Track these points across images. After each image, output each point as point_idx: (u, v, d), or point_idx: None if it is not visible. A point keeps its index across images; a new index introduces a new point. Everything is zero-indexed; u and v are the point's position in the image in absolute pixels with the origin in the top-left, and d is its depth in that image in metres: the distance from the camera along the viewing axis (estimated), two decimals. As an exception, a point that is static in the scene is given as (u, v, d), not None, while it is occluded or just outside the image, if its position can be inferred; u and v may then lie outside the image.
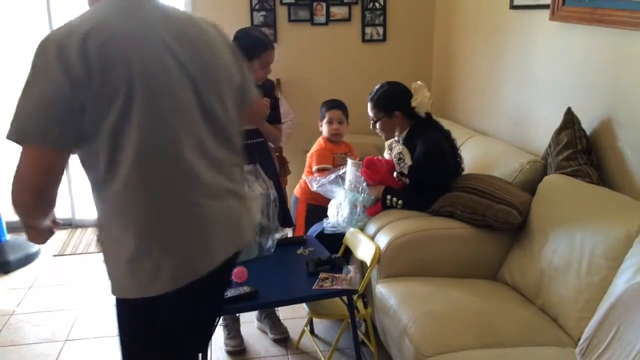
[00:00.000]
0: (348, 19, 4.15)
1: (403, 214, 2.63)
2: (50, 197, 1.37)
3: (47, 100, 1.29)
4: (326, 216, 2.83)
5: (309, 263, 2.32)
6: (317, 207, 3.13)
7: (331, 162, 3.16)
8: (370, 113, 2.79)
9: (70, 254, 3.86)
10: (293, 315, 2.97)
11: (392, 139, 2.85)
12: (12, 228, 3.75)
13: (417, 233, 2.47)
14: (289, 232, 3.21)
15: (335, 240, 2.70)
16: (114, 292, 1.46)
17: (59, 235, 4.16)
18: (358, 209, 2.68)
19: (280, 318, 2.91)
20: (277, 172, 2.94)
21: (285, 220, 2.80)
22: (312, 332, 2.84)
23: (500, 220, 2.41)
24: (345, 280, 2.21)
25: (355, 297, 2.34)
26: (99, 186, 1.41)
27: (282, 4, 4.04)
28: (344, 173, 2.78)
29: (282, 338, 2.81)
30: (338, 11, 4.12)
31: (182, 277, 1.43)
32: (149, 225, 1.40)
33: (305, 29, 4.11)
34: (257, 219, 2.37)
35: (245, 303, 2.10)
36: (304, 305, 2.51)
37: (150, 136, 1.36)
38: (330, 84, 4.08)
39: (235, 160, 1.57)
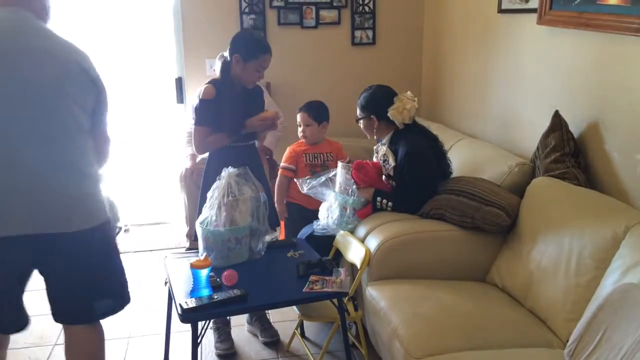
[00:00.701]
0: (337, 23, 4.16)
1: (393, 216, 2.64)
2: None
3: None
4: (305, 215, 2.89)
5: (299, 266, 2.32)
6: (293, 205, 3.19)
7: (296, 162, 3.20)
8: (357, 112, 2.89)
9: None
10: (284, 318, 2.97)
11: (379, 143, 2.88)
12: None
13: (407, 235, 2.49)
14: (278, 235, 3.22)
15: (325, 243, 2.71)
16: None
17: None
18: (348, 211, 2.69)
19: (271, 321, 2.91)
20: (266, 174, 2.95)
21: (274, 221, 2.81)
22: (302, 334, 2.84)
23: (489, 222, 2.43)
24: (336, 283, 2.21)
25: (345, 299, 2.34)
26: None
27: (271, 7, 4.04)
28: (334, 175, 2.79)
29: (273, 341, 2.80)
30: (328, 14, 4.14)
31: None
32: None
33: (295, 32, 4.12)
34: (248, 221, 2.39)
35: (236, 306, 2.09)
36: (294, 308, 2.51)
37: None
38: (319, 87, 4.09)
39: None
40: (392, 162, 2.73)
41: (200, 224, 2.41)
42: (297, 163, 3.22)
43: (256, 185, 2.50)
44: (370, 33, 4.22)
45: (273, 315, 3.01)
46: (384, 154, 2.77)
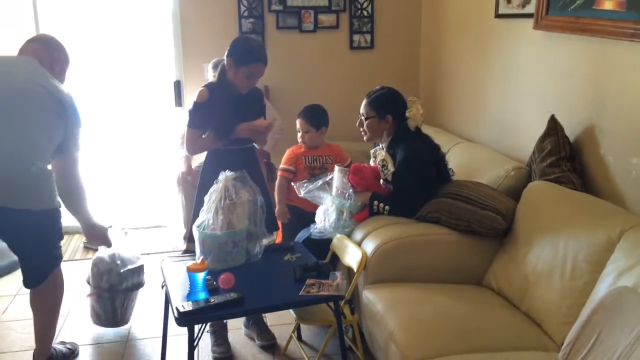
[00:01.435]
0: (336, 27, 4.18)
1: (389, 220, 2.65)
2: None
3: None
4: (302, 218, 2.90)
5: (296, 269, 2.33)
6: (291, 208, 3.20)
7: (296, 164, 3.22)
8: (363, 110, 2.82)
9: (56, 261, 3.84)
10: (280, 322, 2.97)
11: (377, 147, 2.88)
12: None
13: (404, 239, 2.49)
14: (275, 238, 3.24)
15: (322, 246, 2.71)
16: None
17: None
18: (345, 215, 2.70)
19: (268, 324, 2.91)
20: (264, 178, 2.96)
21: (271, 225, 2.82)
22: (299, 338, 2.84)
23: (485, 225, 2.44)
24: (332, 287, 2.22)
25: (342, 303, 2.34)
26: None
27: (270, 11, 4.06)
28: (332, 179, 2.80)
29: (270, 344, 2.80)
30: (326, 19, 4.15)
31: None
32: None
33: (294, 36, 4.14)
34: (245, 224, 2.40)
35: (232, 309, 2.10)
36: (291, 311, 2.51)
37: None
38: (318, 91, 4.10)
39: None
40: (391, 168, 2.72)
41: (198, 227, 2.41)
42: (297, 165, 3.23)
43: (253, 189, 2.50)
44: (368, 37, 4.24)
45: (270, 318, 3.01)
46: (383, 159, 2.76)
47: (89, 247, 4.00)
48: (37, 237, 2.44)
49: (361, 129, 2.86)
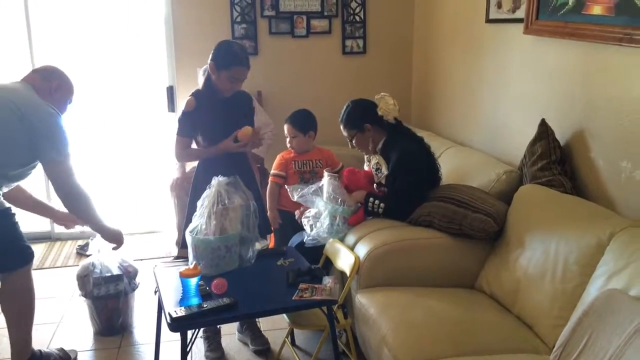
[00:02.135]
0: (328, 32, 4.19)
1: (382, 224, 2.66)
2: None
3: None
4: (295, 222, 2.95)
5: (288, 274, 2.33)
6: (283, 212, 3.21)
7: (286, 169, 3.23)
8: (344, 133, 2.91)
9: (48, 268, 3.83)
10: (274, 327, 2.97)
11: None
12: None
13: (396, 243, 2.50)
14: (268, 243, 3.24)
15: (315, 251, 2.72)
16: None
17: (38, 249, 4.12)
18: (337, 219, 2.71)
19: (261, 329, 2.91)
20: (257, 183, 2.96)
21: (264, 230, 2.83)
22: (293, 343, 2.84)
23: (476, 229, 2.45)
24: (325, 291, 2.22)
25: (335, 307, 2.35)
26: None
27: (262, 16, 4.07)
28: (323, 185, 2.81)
29: (263, 349, 2.80)
30: (318, 24, 4.17)
31: None
32: None
33: (286, 42, 4.15)
34: (238, 229, 2.40)
35: (225, 314, 2.09)
36: (284, 316, 2.52)
37: None
38: (310, 96, 4.11)
39: None
40: (384, 171, 2.76)
41: (190, 232, 2.41)
42: (287, 170, 3.23)
43: (246, 194, 2.51)
44: (360, 42, 4.25)
45: (263, 323, 3.01)
46: (377, 162, 2.81)
47: (82, 253, 3.99)
48: None
49: (358, 149, 2.93)
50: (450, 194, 2.61)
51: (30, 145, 2.46)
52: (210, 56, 2.60)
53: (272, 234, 3.18)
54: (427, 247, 2.53)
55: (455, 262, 2.54)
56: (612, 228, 2.00)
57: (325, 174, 2.82)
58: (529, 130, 2.72)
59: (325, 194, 2.76)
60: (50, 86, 2.59)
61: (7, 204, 2.54)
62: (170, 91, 4.17)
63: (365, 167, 2.94)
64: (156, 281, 2.39)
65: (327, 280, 2.27)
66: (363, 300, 2.38)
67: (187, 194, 3.54)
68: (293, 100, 3.98)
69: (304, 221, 2.79)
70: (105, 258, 2.94)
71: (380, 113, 2.78)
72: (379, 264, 2.46)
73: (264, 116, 3.84)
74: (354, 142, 2.88)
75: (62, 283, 3.59)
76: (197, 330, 2.28)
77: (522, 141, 2.77)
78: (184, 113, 2.65)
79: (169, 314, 2.03)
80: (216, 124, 2.65)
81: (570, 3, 2.49)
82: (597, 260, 1.97)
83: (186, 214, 2.70)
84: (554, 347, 1.88)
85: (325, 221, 2.72)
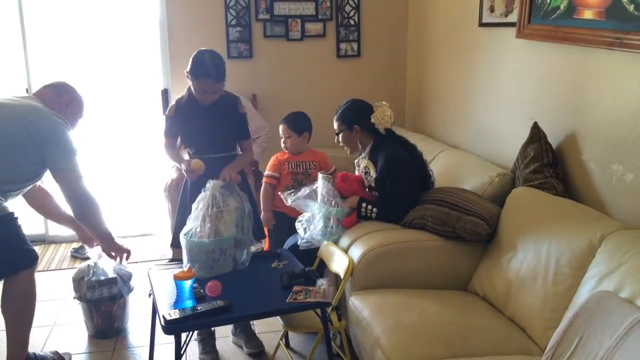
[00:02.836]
0: (323, 35, 4.21)
1: (376, 227, 2.67)
2: None
3: None
4: (289, 223, 2.96)
5: (283, 276, 2.34)
6: (277, 214, 3.22)
7: (279, 170, 3.26)
8: (335, 126, 2.95)
9: (43, 271, 3.82)
10: (268, 329, 2.98)
11: (360, 157, 2.94)
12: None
13: (390, 245, 2.51)
14: (263, 246, 3.25)
15: (309, 254, 2.73)
16: None
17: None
18: (332, 222, 2.72)
19: (256, 332, 2.92)
20: (250, 186, 2.97)
21: (259, 233, 2.84)
22: (287, 345, 2.85)
23: (469, 231, 2.47)
24: (319, 293, 2.23)
25: (329, 309, 2.36)
26: None
27: (257, 20, 4.09)
28: (317, 187, 2.82)
29: (258, 352, 2.81)
30: (313, 27, 4.18)
31: None
32: None
33: (281, 45, 4.16)
34: (232, 232, 2.41)
35: (219, 317, 2.10)
36: (278, 318, 2.52)
37: None
38: (305, 99, 4.13)
39: None
40: (373, 174, 2.78)
41: (185, 235, 2.42)
42: (280, 171, 3.26)
43: (241, 197, 2.52)
44: (355, 45, 4.27)
45: (258, 326, 3.02)
46: (365, 166, 2.84)
47: (76, 256, 3.99)
48: None
49: (341, 145, 2.97)
50: (444, 197, 2.62)
51: (39, 154, 2.53)
52: None
53: (267, 236, 3.19)
54: (420, 249, 2.55)
55: (449, 265, 2.55)
56: (603, 230, 2.02)
57: (320, 175, 2.83)
58: (522, 133, 2.74)
59: (319, 196, 2.77)
60: (62, 100, 2.70)
61: (10, 209, 2.54)
62: (165, 94, 4.17)
63: (357, 172, 2.97)
64: (150, 284, 2.39)
65: (321, 283, 2.28)
66: (357, 303, 2.39)
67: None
68: (288, 103, 4.00)
69: (297, 225, 2.80)
70: (101, 261, 2.94)
71: (373, 120, 2.81)
72: (372, 266, 2.47)
73: (259, 119, 3.85)
74: (340, 137, 2.93)
75: (57, 286, 3.59)
76: (191, 332, 2.29)
77: (515, 144, 2.79)
78: (166, 116, 2.79)
79: (163, 317, 2.03)
80: (194, 131, 2.71)
81: (561, 7, 2.51)
82: (588, 262, 1.99)
83: (177, 215, 2.72)
84: (546, 348, 1.90)
85: (319, 223, 2.73)
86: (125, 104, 4.47)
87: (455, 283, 2.55)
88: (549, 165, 2.56)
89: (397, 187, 2.71)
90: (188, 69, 2.62)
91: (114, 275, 2.93)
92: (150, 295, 2.37)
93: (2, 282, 2.57)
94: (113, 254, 2.82)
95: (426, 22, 4.01)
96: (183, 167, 2.69)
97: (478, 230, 2.46)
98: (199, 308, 2.08)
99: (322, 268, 2.72)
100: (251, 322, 2.95)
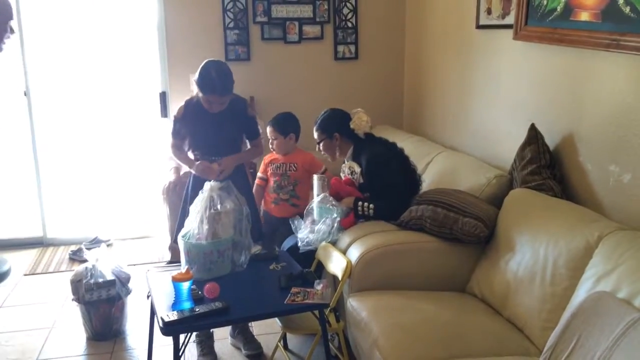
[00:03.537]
0: (320, 37, 4.22)
1: (374, 228, 2.68)
2: None
3: None
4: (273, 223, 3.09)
5: (281, 278, 2.34)
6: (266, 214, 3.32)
7: (267, 172, 3.35)
8: (315, 135, 3.05)
9: (41, 273, 3.82)
10: (267, 331, 2.98)
11: (343, 163, 3.02)
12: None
13: (388, 247, 2.52)
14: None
15: (307, 255, 2.73)
16: None
17: (30, 254, 4.11)
18: (329, 221, 2.73)
19: (254, 334, 2.91)
20: (250, 188, 2.98)
21: (258, 235, 2.85)
22: (285, 347, 2.85)
23: (467, 233, 2.48)
24: (317, 295, 2.23)
25: (327, 311, 2.36)
26: None
27: (255, 22, 4.09)
28: (312, 208, 2.86)
29: (256, 354, 2.81)
30: (311, 30, 4.19)
31: None
32: None
33: (279, 47, 4.17)
34: (230, 234, 2.41)
35: (217, 318, 2.10)
36: (277, 320, 2.52)
37: None
38: (303, 101, 4.13)
39: None
40: (357, 170, 2.87)
41: (183, 237, 2.42)
42: (267, 172, 3.35)
43: (239, 199, 2.52)
44: (352, 48, 4.28)
45: (256, 328, 3.02)
46: (350, 167, 2.93)
47: (75, 259, 3.98)
48: None
49: (322, 153, 3.06)
50: (441, 199, 2.63)
51: None
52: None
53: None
54: (418, 250, 2.55)
55: (447, 266, 2.56)
56: (600, 231, 2.02)
57: (315, 176, 2.93)
58: (519, 135, 2.74)
59: (316, 198, 2.80)
60: None
61: None
62: (163, 97, 4.18)
63: (343, 177, 3.00)
64: (148, 286, 2.39)
65: (319, 284, 2.28)
66: (355, 304, 2.40)
67: (180, 198, 3.56)
68: (285, 105, 3.98)
69: (301, 233, 2.79)
70: (99, 263, 2.94)
71: (352, 126, 2.91)
72: (370, 267, 2.48)
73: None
74: (321, 145, 3.03)
75: (55, 288, 3.58)
76: (189, 334, 2.29)
77: (512, 146, 2.80)
78: (174, 118, 2.80)
79: (162, 318, 2.03)
80: (201, 134, 2.75)
81: (558, 9, 2.52)
82: (585, 263, 1.99)
83: (179, 218, 2.72)
84: (544, 349, 1.90)
85: (321, 228, 2.74)
86: (123, 106, 4.46)
87: (453, 284, 2.55)
88: (546, 166, 2.57)
89: (387, 181, 2.78)
90: (195, 78, 2.63)
91: (112, 278, 2.93)
92: (148, 297, 2.37)
93: None
94: None
95: (424, 25, 4.02)
96: (193, 169, 2.74)
97: (476, 232, 2.46)
98: (197, 310, 2.08)
99: (320, 269, 2.72)
100: (249, 324, 2.95)
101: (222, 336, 2.92)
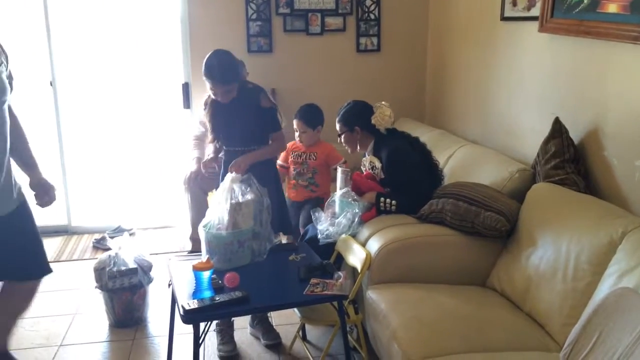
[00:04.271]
0: (343, 29, 4.20)
1: (394, 220, 2.67)
2: None
3: None
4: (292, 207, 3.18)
5: (300, 269, 2.35)
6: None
7: (287, 159, 3.43)
8: (337, 127, 3.04)
9: (65, 260, 3.89)
10: (286, 322, 3.00)
11: (364, 157, 3.02)
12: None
13: (408, 240, 2.51)
14: (283, 239, 3.27)
15: (327, 247, 2.73)
16: None
17: (55, 242, 4.18)
18: (350, 215, 2.72)
19: (273, 324, 2.94)
20: (278, 177, 2.97)
21: (284, 226, 2.93)
22: (304, 338, 2.86)
23: (488, 227, 2.46)
24: (336, 286, 2.24)
25: (346, 302, 2.36)
26: None
27: (277, 14, 4.09)
28: (333, 201, 2.85)
29: (275, 344, 2.83)
30: (333, 21, 4.18)
31: None
32: None
33: (301, 39, 4.17)
34: (250, 224, 2.43)
35: (237, 307, 2.12)
36: (296, 311, 2.54)
37: None
38: (325, 93, 4.12)
39: None
40: (378, 165, 2.86)
41: (204, 227, 2.44)
42: (287, 160, 3.42)
43: (259, 190, 2.53)
44: (375, 40, 4.26)
45: (275, 318, 3.04)
46: (370, 161, 2.92)
47: (98, 247, 4.05)
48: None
49: (343, 145, 3.06)
50: (462, 192, 2.61)
51: None
52: None
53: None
54: (438, 244, 2.54)
55: (467, 260, 2.54)
56: (624, 227, 1.99)
57: (339, 169, 2.92)
58: (543, 129, 2.71)
59: (339, 191, 2.80)
60: None
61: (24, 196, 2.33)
62: (186, 88, 4.21)
63: (364, 171, 3.00)
64: (170, 274, 2.42)
65: (339, 276, 2.28)
66: (374, 296, 2.40)
67: (201, 189, 3.59)
68: (307, 97, 3.98)
69: (321, 225, 2.79)
70: (122, 252, 2.99)
71: (373, 121, 2.88)
72: (390, 260, 2.48)
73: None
74: (342, 138, 3.02)
75: (79, 276, 3.65)
76: (209, 323, 2.31)
77: (536, 139, 2.76)
78: (203, 106, 2.87)
79: (182, 306, 2.06)
80: (220, 124, 2.80)
81: (585, 1, 2.48)
82: (609, 259, 1.97)
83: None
84: (564, 345, 1.88)
85: (341, 222, 2.74)
86: (146, 97, 4.52)
87: (473, 278, 2.53)
88: (570, 161, 2.53)
89: (408, 176, 2.77)
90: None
91: (135, 266, 2.97)
92: (169, 285, 2.40)
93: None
94: None
95: (447, 17, 3.98)
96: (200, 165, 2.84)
97: (497, 226, 2.44)
98: (217, 298, 2.10)
99: (340, 261, 2.72)
100: (269, 315, 2.97)
101: (242, 326, 2.95)
